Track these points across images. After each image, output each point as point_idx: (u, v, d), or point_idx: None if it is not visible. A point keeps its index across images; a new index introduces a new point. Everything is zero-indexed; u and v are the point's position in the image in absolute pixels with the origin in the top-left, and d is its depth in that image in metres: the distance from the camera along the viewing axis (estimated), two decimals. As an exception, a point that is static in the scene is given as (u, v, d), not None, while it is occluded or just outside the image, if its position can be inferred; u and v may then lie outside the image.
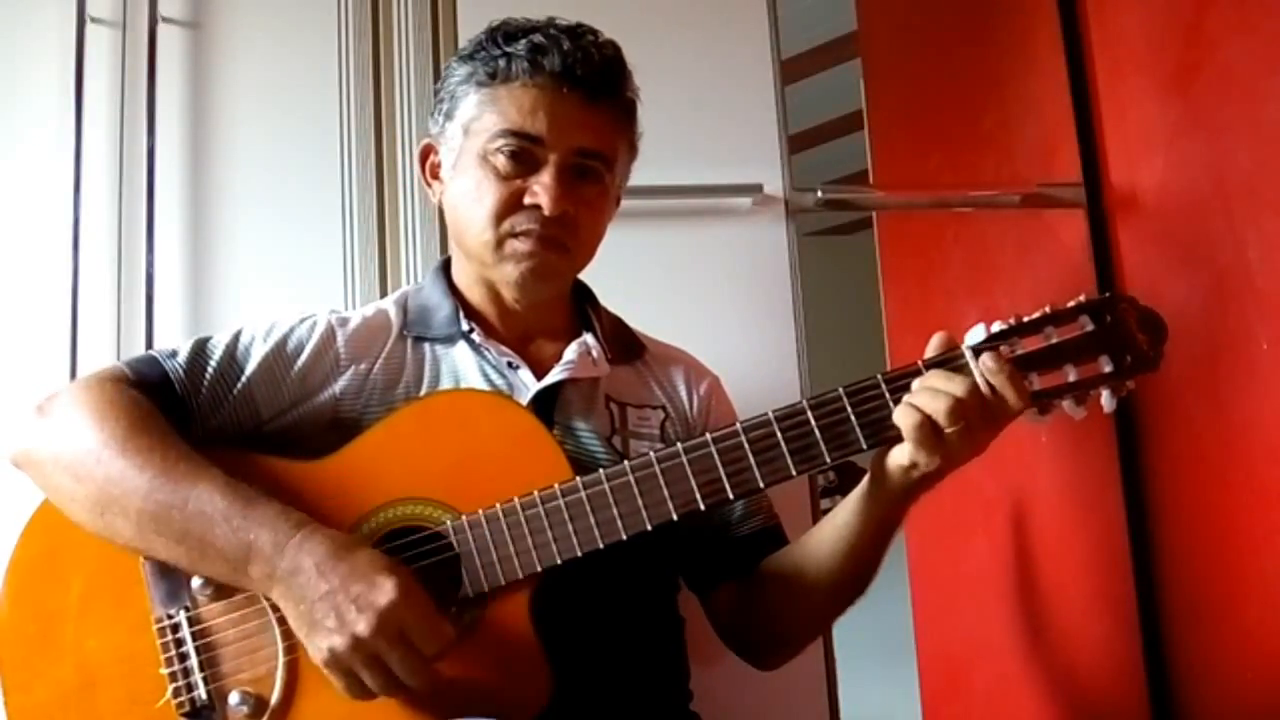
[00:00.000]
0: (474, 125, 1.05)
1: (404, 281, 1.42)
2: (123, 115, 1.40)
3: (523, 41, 1.03)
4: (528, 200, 1.02)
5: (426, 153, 1.13)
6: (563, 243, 1.05)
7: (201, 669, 0.89)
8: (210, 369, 0.99)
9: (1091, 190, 1.54)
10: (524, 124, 1.02)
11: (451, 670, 0.88)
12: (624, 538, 0.90)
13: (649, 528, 0.90)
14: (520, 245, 1.04)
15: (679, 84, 1.48)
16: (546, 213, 1.01)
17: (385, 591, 0.82)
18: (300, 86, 1.45)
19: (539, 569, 0.90)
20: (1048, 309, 0.93)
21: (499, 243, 1.04)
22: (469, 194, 1.05)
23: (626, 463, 0.91)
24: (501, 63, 1.03)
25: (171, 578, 0.91)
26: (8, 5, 1.40)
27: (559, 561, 0.90)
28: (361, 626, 0.82)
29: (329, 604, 0.83)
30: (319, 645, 0.83)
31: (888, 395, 0.91)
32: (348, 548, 0.86)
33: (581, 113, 1.03)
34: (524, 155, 1.03)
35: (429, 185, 1.13)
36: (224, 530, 0.86)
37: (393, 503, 0.93)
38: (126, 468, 0.88)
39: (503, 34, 1.05)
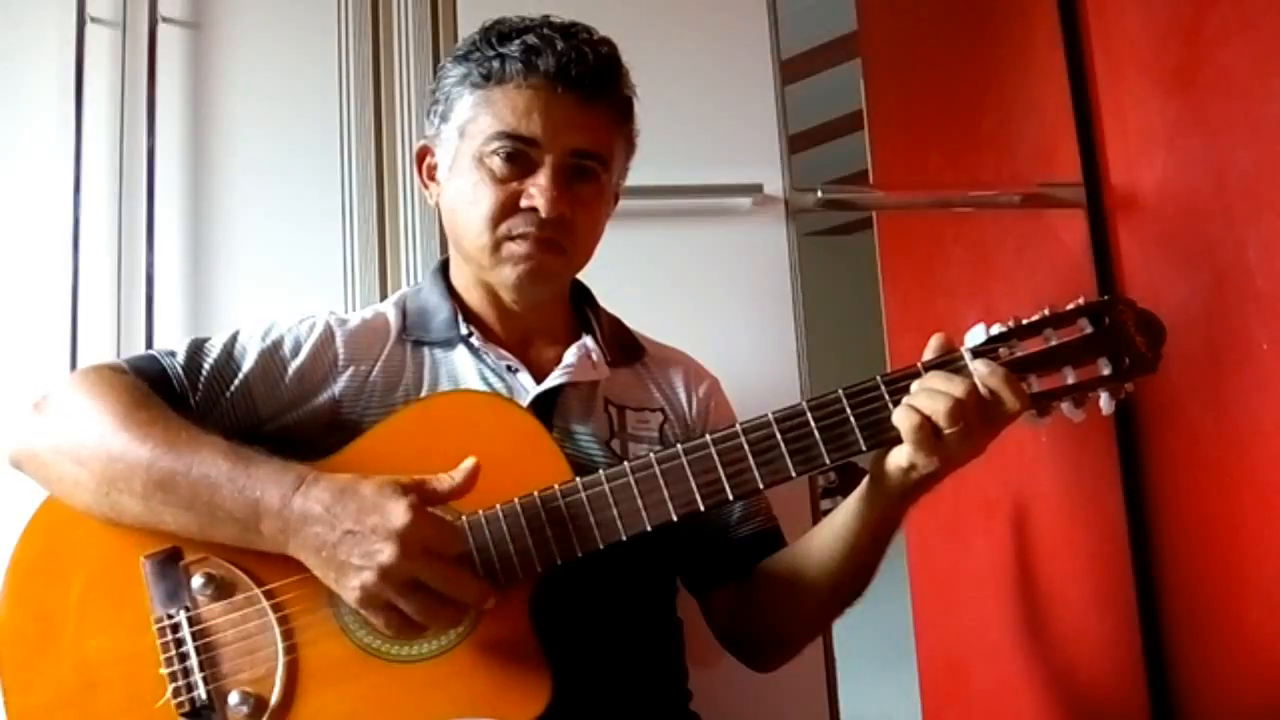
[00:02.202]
0: (469, 127, 1.04)
1: (404, 282, 1.42)
2: (123, 115, 1.40)
3: (516, 42, 1.02)
4: (524, 203, 1.02)
5: (423, 154, 1.12)
6: (560, 245, 1.04)
7: (201, 669, 0.89)
8: (207, 367, 0.99)
9: (1091, 190, 1.55)
10: (519, 126, 1.01)
11: (451, 670, 0.89)
12: (623, 538, 0.90)
13: (648, 528, 0.90)
14: (517, 248, 1.03)
15: (679, 84, 1.48)
16: (543, 215, 1.01)
17: (399, 514, 0.82)
18: (300, 86, 1.45)
19: (539, 569, 0.90)
20: (1046, 311, 0.93)
21: (496, 246, 1.04)
22: (465, 196, 1.05)
23: (626, 463, 0.91)
24: (495, 64, 1.03)
25: (171, 577, 0.91)
26: (8, 5, 1.40)
27: (559, 562, 0.90)
28: (386, 554, 0.81)
29: (349, 543, 0.83)
30: (350, 585, 0.83)
31: (887, 397, 0.91)
32: (352, 485, 0.86)
33: (577, 113, 1.03)
34: (519, 157, 1.02)
35: (426, 187, 1.13)
36: (230, 490, 0.86)
37: (392, 503, 0.93)
38: (129, 441, 0.89)
39: (497, 34, 1.04)
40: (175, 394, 0.97)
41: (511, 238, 1.03)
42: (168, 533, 0.90)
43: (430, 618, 0.84)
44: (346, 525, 0.83)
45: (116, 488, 0.89)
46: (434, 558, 0.83)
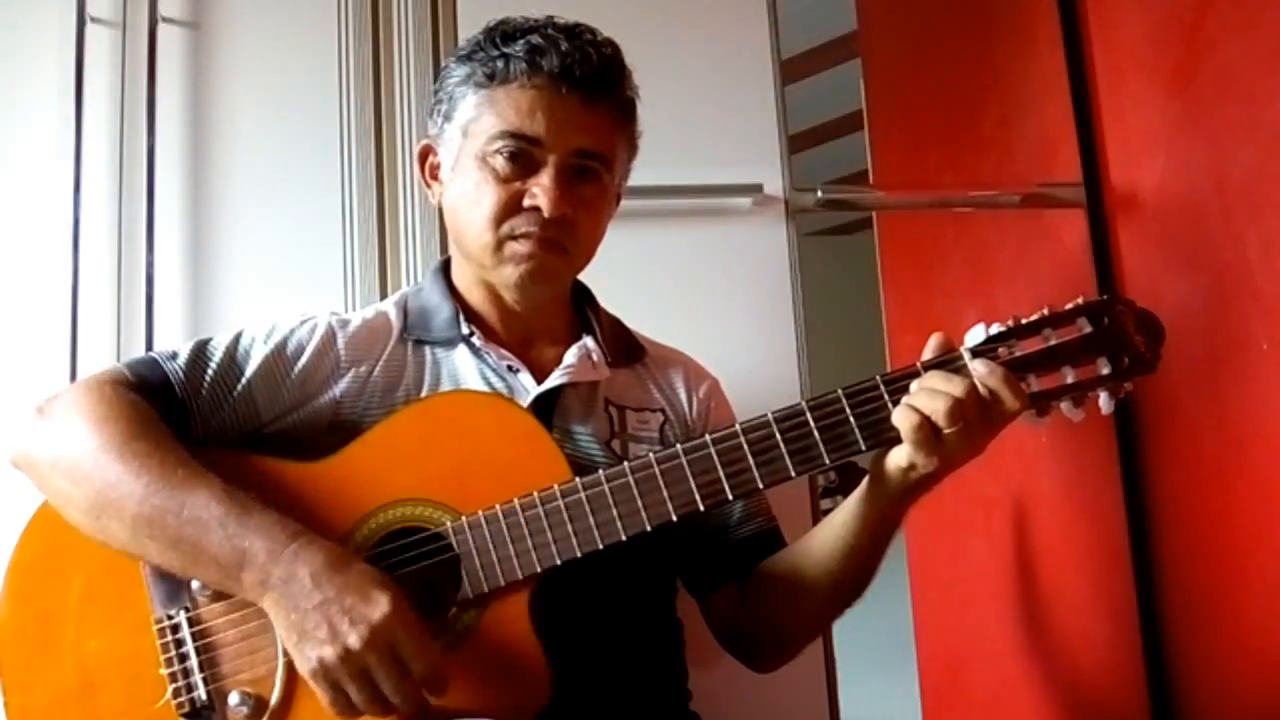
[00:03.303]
0: (472, 127, 1.04)
1: (404, 282, 1.42)
2: (123, 115, 1.40)
3: (520, 42, 1.02)
4: (527, 202, 1.02)
5: (425, 154, 1.12)
6: (562, 244, 1.04)
7: (201, 669, 0.89)
8: (210, 371, 0.99)
9: (1091, 190, 1.54)
10: (522, 125, 1.02)
11: (451, 670, 0.88)
12: (623, 539, 0.90)
13: (648, 529, 0.90)
14: (520, 248, 1.03)
15: (679, 84, 1.48)
16: (546, 215, 1.01)
17: (379, 606, 0.82)
18: (300, 86, 1.45)
19: (538, 570, 0.90)
20: (1046, 311, 0.93)
21: (498, 245, 1.04)
22: (468, 196, 1.05)
23: (626, 464, 0.91)
24: (499, 64, 1.03)
25: (172, 578, 0.91)
26: (8, 5, 1.40)
27: (558, 562, 0.90)
28: (353, 639, 0.81)
29: (322, 614, 0.82)
30: (308, 655, 0.82)
31: (887, 396, 0.91)
32: (344, 560, 0.86)
33: (580, 113, 1.03)
34: (523, 157, 1.02)
35: (428, 186, 1.13)
36: (219, 536, 0.86)
37: (393, 504, 0.93)
38: (124, 472, 0.88)
39: (500, 34, 1.04)
40: (177, 399, 0.97)
41: (514, 237, 1.03)
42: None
43: (370, 707, 0.83)
44: (326, 595, 0.83)
45: (106, 514, 0.89)
46: (394, 662, 0.82)
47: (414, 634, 0.83)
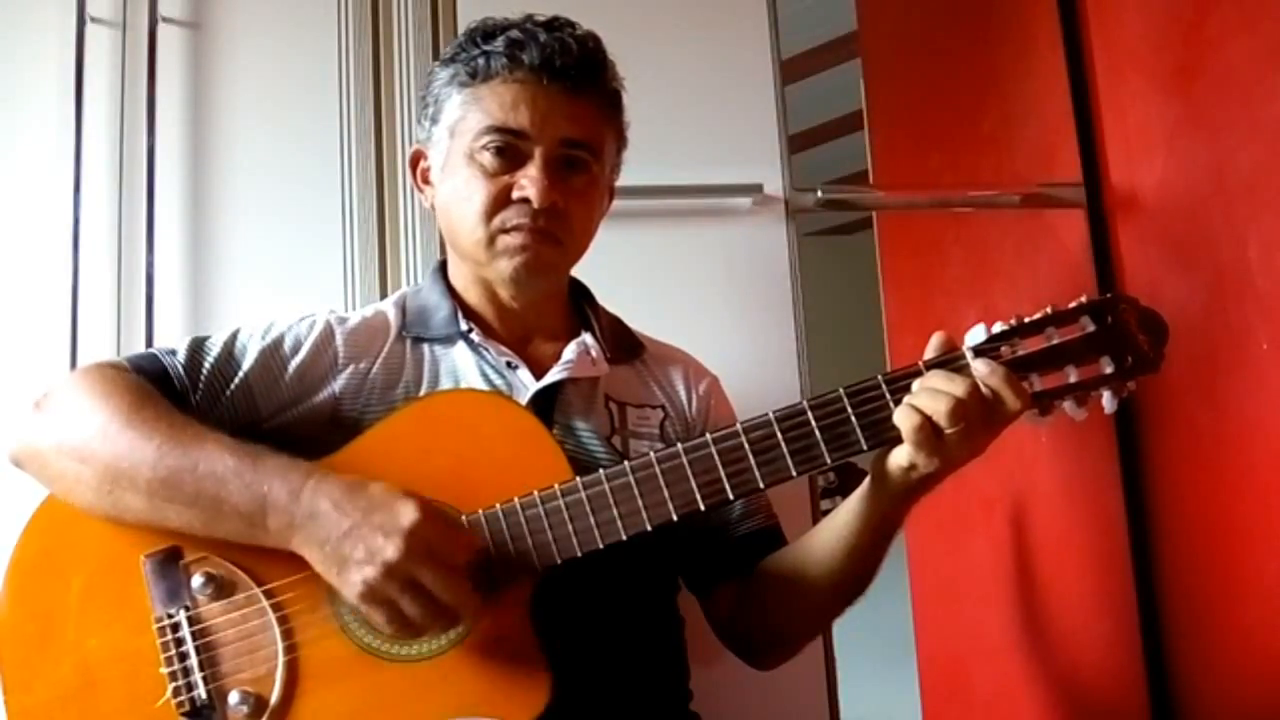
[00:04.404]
0: (459, 126, 1.05)
1: (404, 282, 1.42)
2: (123, 115, 1.40)
3: (500, 38, 1.03)
4: (516, 194, 1.02)
5: (416, 159, 1.13)
6: (554, 234, 1.04)
7: (201, 668, 0.89)
8: (208, 365, 1.00)
9: (1091, 190, 1.55)
10: (507, 119, 1.02)
11: (451, 670, 0.88)
12: (624, 538, 0.90)
13: (649, 528, 0.90)
14: (512, 240, 1.03)
15: (679, 84, 1.49)
16: (535, 205, 1.01)
17: (406, 514, 0.83)
18: (300, 86, 1.45)
19: (539, 569, 0.90)
20: (1049, 310, 0.93)
21: (491, 239, 1.04)
22: (458, 194, 1.05)
23: (627, 463, 0.91)
24: (481, 61, 1.04)
25: (171, 577, 0.91)
26: (8, 5, 1.40)
27: (559, 561, 0.90)
28: (390, 551, 0.82)
29: (354, 538, 0.83)
30: (352, 580, 0.83)
31: (888, 396, 0.91)
32: (361, 483, 0.87)
33: (564, 103, 1.03)
34: (510, 151, 1.03)
35: (421, 191, 1.13)
36: (236, 486, 0.87)
37: (393, 503, 0.93)
38: (134, 439, 0.89)
39: (481, 33, 1.06)
40: (176, 392, 0.97)
41: (505, 230, 1.04)
42: (170, 530, 0.90)
43: (427, 620, 0.84)
44: (353, 520, 0.84)
45: (120, 485, 0.89)
46: (436, 561, 0.83)
47: (447, 531, 0.85)
